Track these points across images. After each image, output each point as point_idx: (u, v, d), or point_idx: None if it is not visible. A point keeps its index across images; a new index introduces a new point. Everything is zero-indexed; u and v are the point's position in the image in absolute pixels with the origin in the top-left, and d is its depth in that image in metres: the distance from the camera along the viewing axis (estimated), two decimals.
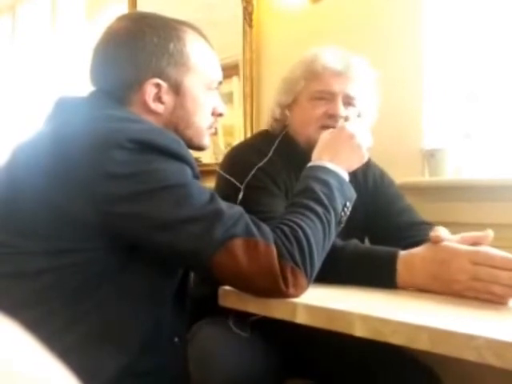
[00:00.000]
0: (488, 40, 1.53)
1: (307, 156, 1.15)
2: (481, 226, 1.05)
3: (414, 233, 1.14)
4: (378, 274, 0.87)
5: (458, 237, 0.87)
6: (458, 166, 1.54)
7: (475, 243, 0.84)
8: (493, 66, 1.53)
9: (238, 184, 1.09)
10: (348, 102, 1.19)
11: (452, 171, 1.52)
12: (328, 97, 1.18)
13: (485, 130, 1.54)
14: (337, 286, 0.88)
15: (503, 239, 1.07)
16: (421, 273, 0.85)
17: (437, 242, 0.85)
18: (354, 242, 0.94)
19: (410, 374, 1.07)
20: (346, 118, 1.18)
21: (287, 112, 1.25)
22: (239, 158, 1.18)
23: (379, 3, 1.67)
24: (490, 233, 0.85)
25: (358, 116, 1.22)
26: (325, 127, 1.15)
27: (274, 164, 1.14)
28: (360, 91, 1.20)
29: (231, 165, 1.17)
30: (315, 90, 1.20)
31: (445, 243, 0.84)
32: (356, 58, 1.21)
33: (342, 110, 1.17)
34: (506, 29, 1.50)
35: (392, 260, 0.86)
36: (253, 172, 1.10)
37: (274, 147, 1.18)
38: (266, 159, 1.14)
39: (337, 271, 0.86)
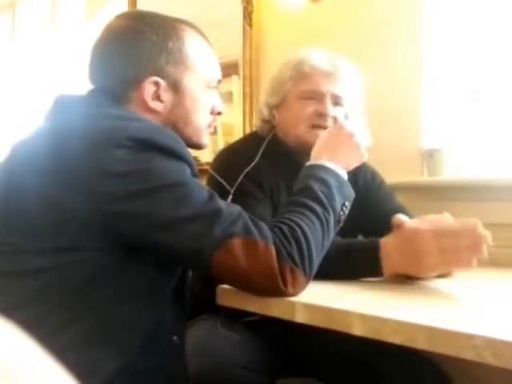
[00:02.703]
0: (488, 39, 1.53)
1: (295, 156, 1.16)
2: None
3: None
4: (365, 265, 0.91)
5: (417, 220, 0.94)
6: (457, 166, 1.54)
7: (435, 223, 0.90)
8: (492, 66, 1.53)
9: (227, 187, 1.10)
10: (336, 101, 1.21)
11: (451, 171, 1.52)
12: (316, 96, 1.20)
13: (483, 129, 1.54)
14: (336, 284, 0.89)
15: (503, 239, 1.07)
16: (396, 257, 0.90)
17: (399, 224, 0.92)
18: (337, 238, 0.95)
19: (414, 371, 1.07)
20: (335, 118, 1.19)
21: (275, 113, 1.25)
22: (225, 163, 1.19)
23: (379, 3, 1.67)
24: (447, 215, 0.91)
25: (345, 116, 1.23)
26: (315, 126, 1.17)
27: (260, 168, 1.15)
28: (347, 91, 1.22)
29: (218, 170, 1.18)
30: (304, 90, 1.21)
31: (407, 224, 0.91)
32: (342, 60, 1.23)
33: (330, 110, 1.19)
34: (506, 28, 1.50)
35: (375, 250, 0.91)
36: (239, 178, 1.11)
37: (261, 150, 1.19)
38: (252, 164, 1.15)
39: (325, 268, 0.86)
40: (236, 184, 1.10)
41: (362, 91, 1.26)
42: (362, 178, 1.28)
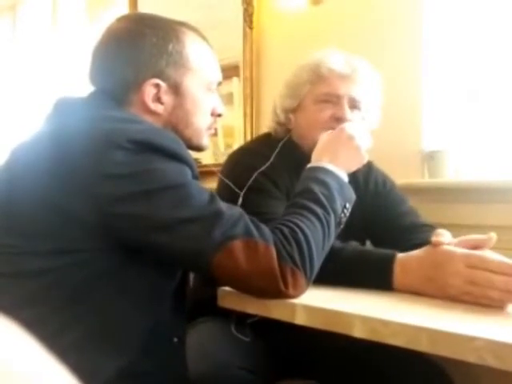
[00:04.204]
0: (488, 40, 1.54)
1: (310, 160, 1.15)
2: (480, 228, 1.05)
3: (415, 235, 1.13)
4: (374, 276, 0.86)
5: (457, 240, 0.85)
6: (458, 168, 1.54)
7: (476, 247, 0.83)
8: (493, 67, 1.53)
9: (238, 187, 1.09)
10: (353, 105, 1.19)
11: (451, 173, 1.52)
12: (334, 99, 1.18)
13: (484, 131, 1.54)
14: (336, 287, 0.88)
15: (503, 241, 1.07)
16: (417, 275, 0.84)
17: (436, 245, 0.84)
18: (353, 243, 0.94)
19: (416, 373, 1.07)
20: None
21: (291, 116, 1.24)
22: (240, 162, 1.18)
23: (379, 4, 1.67)
24: (492, 236, 0.83)
25: (363, 119, 1.21)
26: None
27: (275, 168, 1.14)
28: (365, 95, 1.20)
29: (232, 168, 1.17)
30: (321, 93, 1.19)
31: (442, 249, 0.83)
32: (361, 62, 1.21)
33: (348, 113, 1.17)
34: (506, 28, 1.50)
35: (389, 262, 0.86)
36: (254, 175, 1.10)
37: (276, 151, 1.18)
38: (267, 163, 1.13)
39: (335, 272, 0.86)
40: (250, 181, 1.09)
41: (380, 94, 1.23)
42: (373, 182, 1.27)
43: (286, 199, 1.11)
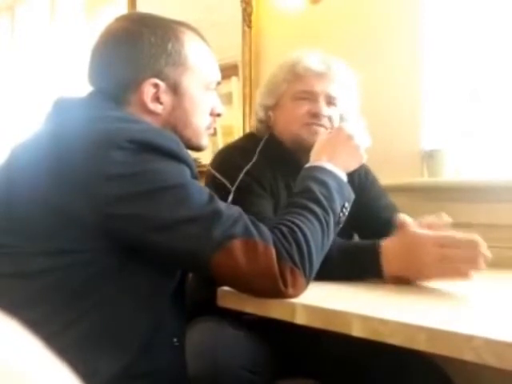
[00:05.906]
0: (488, 39, 1.54)
1: (292, 155, 1.17)
2: (480, 227, 1.05)
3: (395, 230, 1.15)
4: (364, 266, 0.92)
5: (416, 222, 0.93)
6: (457, 167, 1.55)
7: (434, 228, 0.91)
8: (492, 66, 1.53)
9: (228, 185, 1.11)
10: (330, 101, 1.23)
11: (451, 172, 1.52)
12: (310, 97, 1.22)
13: (483, 130, 1.55)
14: (335, 286, 0.89)
15: (503, 240, 1.07)
16: (395, 261, 0.91)
17: (402, 226, 0.92)
18: (337, 239, 0.95)
19: (414, 373, 1.07)
20: (329, 118, 1.22)
21: (271, 114, 1.28)
22: (227, 160, 1.20)
23: (378, 3, 1.67)
24: (445, 217, 0.92)
25: (341, 117, 1.25)
26: (308, 125, 1.20)
27: (258, 165, 1.16)
28: (341, 92, 1.24)
29: (218, 167, 1.19)
30: (298, 91, 1.23)
31: (411, 230, 0.91)
32: (337, 61, 1.25)
33: (324, 109, 1.21)
34: (506, 26, 1.50)
35: (375, 251, 0.91)
36: (240, 175, 1.12)
37: (259, 148, 1.21)
38: (251, 162, 1.16)
39: (326, 269, 0.87)
40: (237, 182, 1.11)
41: (357, 92, 1.27)
42: (357, 176, 1.29)
43: (270, 197, 1.15)
